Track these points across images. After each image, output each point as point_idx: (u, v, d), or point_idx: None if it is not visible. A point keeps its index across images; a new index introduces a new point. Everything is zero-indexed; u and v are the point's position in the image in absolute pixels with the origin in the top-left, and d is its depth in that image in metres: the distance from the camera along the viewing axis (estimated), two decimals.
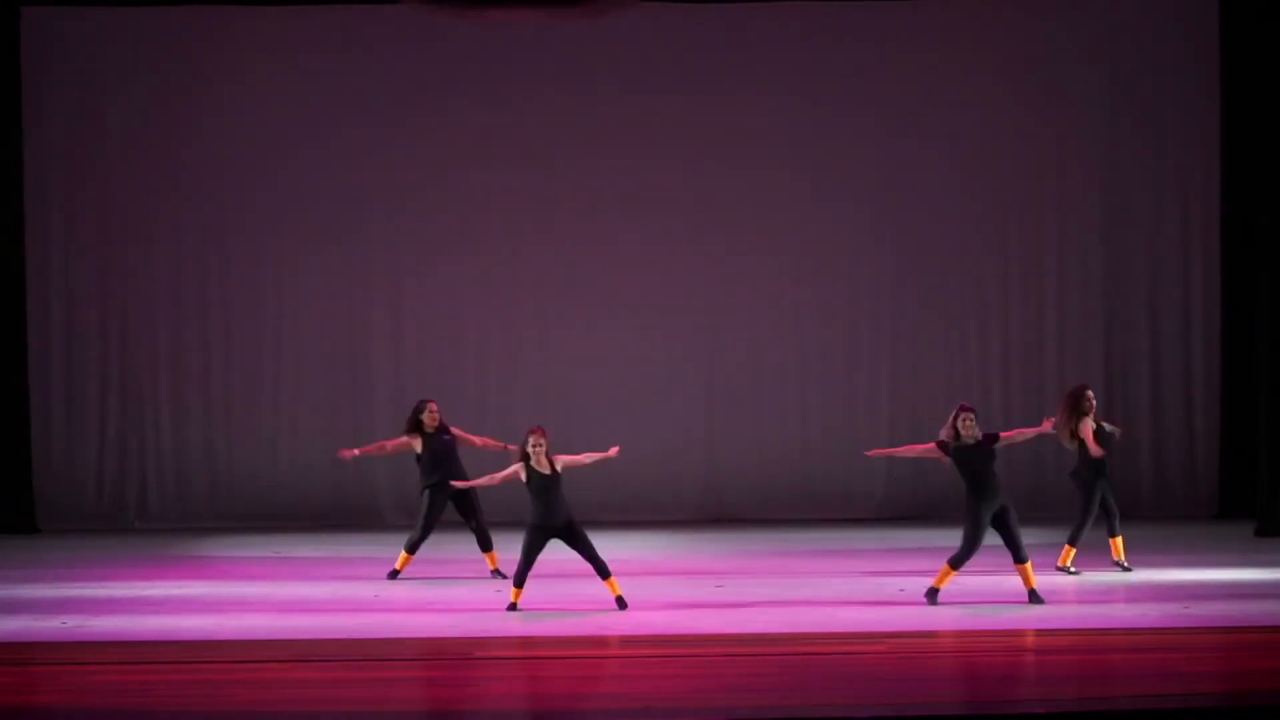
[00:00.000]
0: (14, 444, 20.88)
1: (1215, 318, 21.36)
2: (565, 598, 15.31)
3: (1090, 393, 16.76)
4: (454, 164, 21.36)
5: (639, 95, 21.34)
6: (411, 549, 16.50)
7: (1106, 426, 16.96)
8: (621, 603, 14.42)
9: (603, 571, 14.54)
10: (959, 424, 14.73)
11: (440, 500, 16.52)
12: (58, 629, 13.94)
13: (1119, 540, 16.79)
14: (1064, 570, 16.47)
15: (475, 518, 16.61)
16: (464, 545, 17.55)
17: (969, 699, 11.41)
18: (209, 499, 21.45)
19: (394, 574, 16.51)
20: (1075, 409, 16.54)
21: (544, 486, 14.44)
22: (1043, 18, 21.37)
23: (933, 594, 14.76)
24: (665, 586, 16.05)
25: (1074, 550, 16.58)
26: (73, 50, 21.17)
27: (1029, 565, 14.80)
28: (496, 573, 16.43)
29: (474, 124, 21.33)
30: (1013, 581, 16.02)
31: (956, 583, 16.11)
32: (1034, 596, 14.72)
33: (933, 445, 14.90)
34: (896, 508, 21.41)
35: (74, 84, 21.17)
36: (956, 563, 14.72)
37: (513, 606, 14.56)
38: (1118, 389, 21.53)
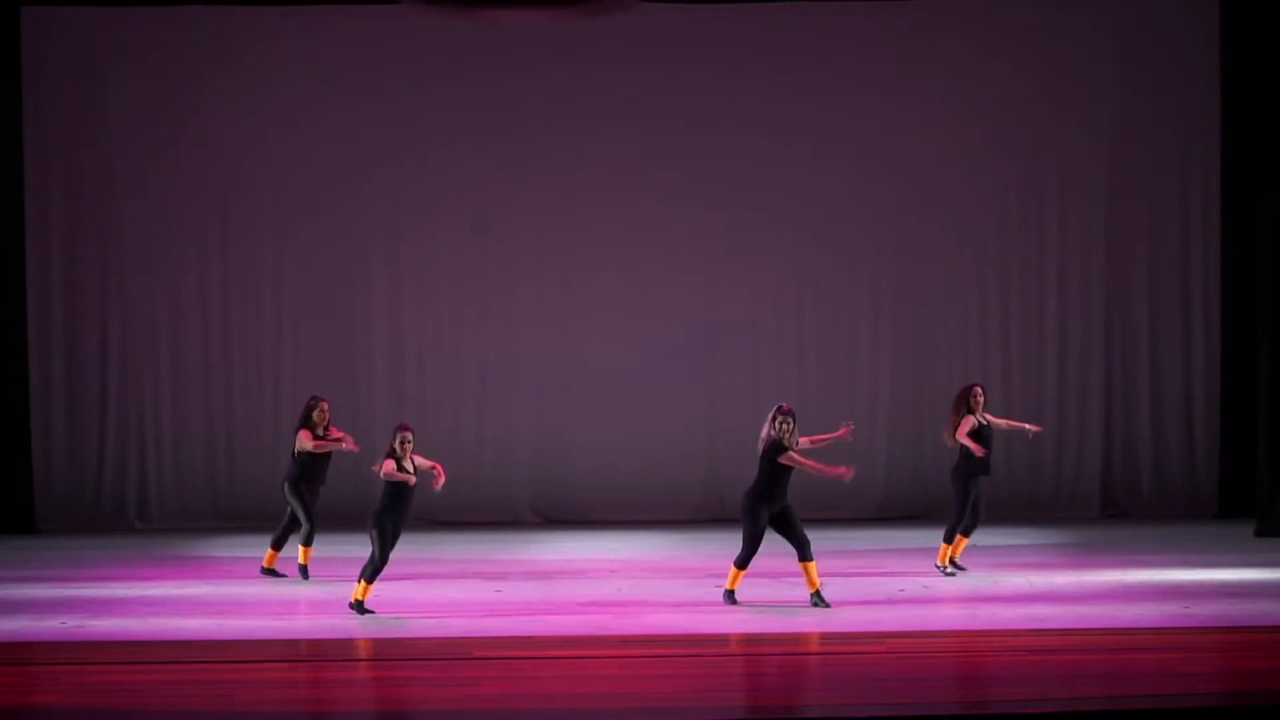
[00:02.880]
0: (14, 444, 20.87)
1: (1215, 318, 21.34)
2: (564, 598, 15.32)
3: (978, 390, 16.72)
4: (454, 165, 21.35)
5: (639, 95, 21.32)
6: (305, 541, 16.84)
7: (1007, 425, 17.16)
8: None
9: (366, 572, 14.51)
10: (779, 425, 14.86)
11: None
12: (57, 629, 13.94)
13: (965, 542, 16.61)
14: (943, 570, 16.45)
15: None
16: (461, 546, 17.58)
17: (969, 699, 11.42)
18: (209, 499, 21.44)
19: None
20: (962, 407, 16.56)
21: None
22: (1044, 19, 21.34)
23: (730, 595, 14.89)
24: (665, 586, 16.06)
25: (950, 548, 16.53)
26: (73, 49, 21.15)
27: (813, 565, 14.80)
28: (269, 571, 16.76)
29: (474, 124, 21.31)
30: (1012, 581, 16.06)
31: (957, 582, 16.13)
32: (817, 598, 14.71)
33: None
34: (896, 508, 21.41)
35: (74, 83, 21.14)
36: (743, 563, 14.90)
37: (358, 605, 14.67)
38: (1118, 389, 21.53)
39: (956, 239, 21.52)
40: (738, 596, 14.97)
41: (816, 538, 14.97)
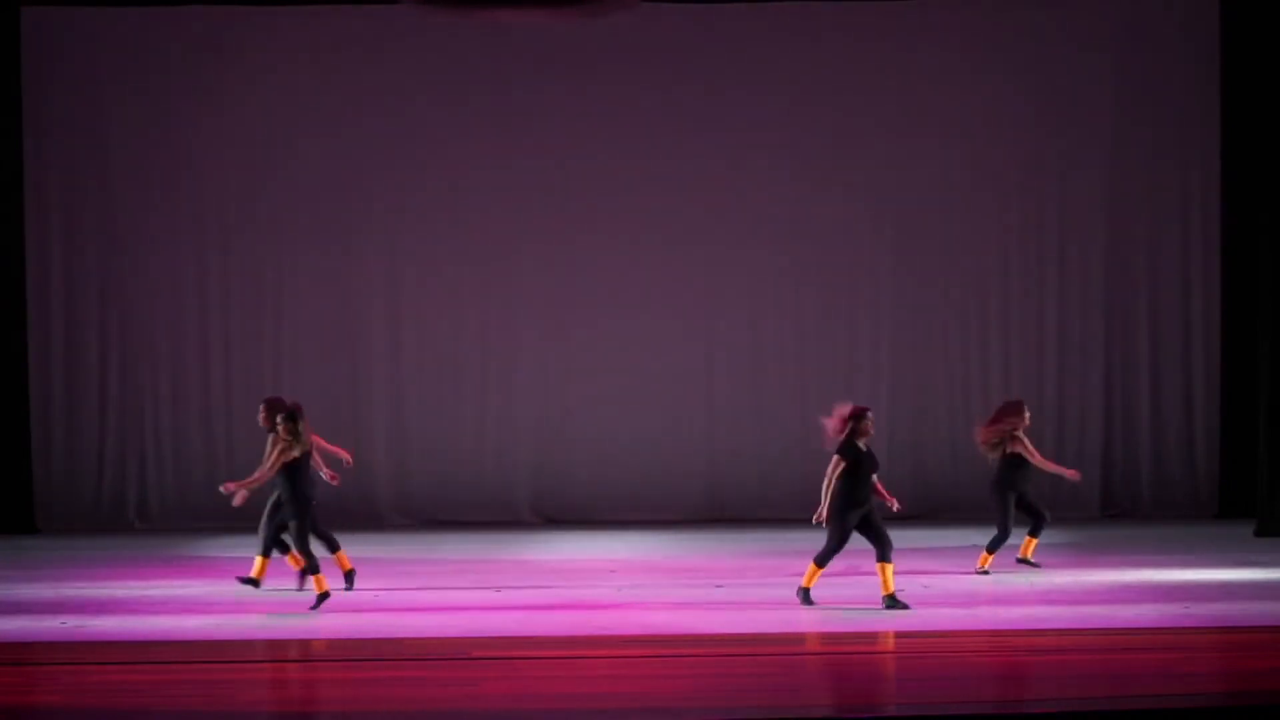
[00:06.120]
0: (14, 444, 20.88)
1: (1215, 318, 21.36)
2: (564, 598, 15.32)
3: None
4: (454, 163, 21.36)
5: (639, 95, 21.33)
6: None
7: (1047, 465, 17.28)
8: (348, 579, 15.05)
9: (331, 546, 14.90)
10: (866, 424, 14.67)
11: None
12: (57, 629, 13.94)
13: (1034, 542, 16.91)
14: (1026, 562, 16.76)
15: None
16: (461, 546, 17.56)
17: (969, 699, 11.40)
18: (209, 499, 21.38)
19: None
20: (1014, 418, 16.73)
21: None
22: (1043, 20, 21.34)
23: (804, 594, 14.64)
24: (665, 586, 16.06)
25: (1030, 543, 16.79)
26: (73, 51, 21.15)
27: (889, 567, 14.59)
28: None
29: (474, 124, 21.32)
30: (1012, 581, 16.05)
31: (957, 582, 16.13)
32: (891, 601, 14.47)
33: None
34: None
35: (74, 84, 21.15)
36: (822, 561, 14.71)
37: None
38: (1118, 389, 21.53)
39: (957, 240, 21.51)
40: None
41: (816, 539, 14.95)
